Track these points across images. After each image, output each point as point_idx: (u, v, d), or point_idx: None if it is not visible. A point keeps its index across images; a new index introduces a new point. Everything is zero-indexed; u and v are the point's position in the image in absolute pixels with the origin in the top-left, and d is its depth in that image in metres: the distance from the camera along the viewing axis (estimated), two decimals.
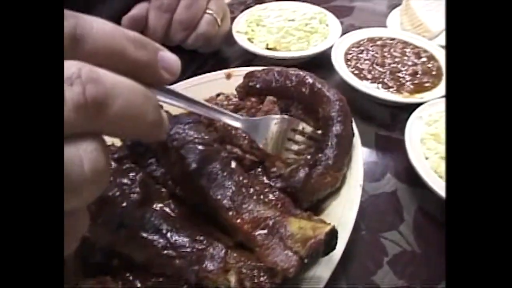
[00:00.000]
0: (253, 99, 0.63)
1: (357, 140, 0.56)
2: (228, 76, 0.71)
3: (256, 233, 0.42)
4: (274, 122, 0.49)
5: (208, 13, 0.76)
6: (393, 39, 0.84)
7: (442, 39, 0.86)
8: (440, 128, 0.59)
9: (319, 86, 0.57)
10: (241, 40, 0.84)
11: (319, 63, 0.82)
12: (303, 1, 0.98)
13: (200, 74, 0.72)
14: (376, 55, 0.79)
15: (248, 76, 0.64)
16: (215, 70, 0.73)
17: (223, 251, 0.42)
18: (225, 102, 0.63)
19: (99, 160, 0.25)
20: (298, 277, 0.41)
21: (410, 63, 0.77)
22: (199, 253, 0.42)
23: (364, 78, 0.74)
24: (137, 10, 0.76)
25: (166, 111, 0.55)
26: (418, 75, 0.74)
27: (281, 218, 0.43)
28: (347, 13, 1.05)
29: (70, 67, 0.24)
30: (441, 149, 0.56)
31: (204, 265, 0.41)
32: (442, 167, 0.54)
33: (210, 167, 0.47)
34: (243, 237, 0.44)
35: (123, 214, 0.44)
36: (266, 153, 0.54)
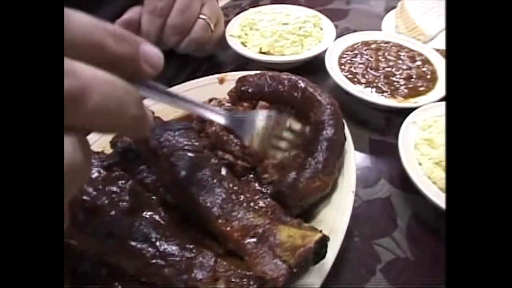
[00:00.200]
0: (245, 104, 0.62)
1: (349, 144, 0.55)
2: (221, 81, 0.71)
3: (246, 241, 0.42)
4: (260, 118, 0.48)
5: (202, 18, 0.75)
6: (387, 42, 0.84)
7: (437, 43, 0.86)
8: (434, 133, 0.59)
9: (311, 90, 0.57)
10: (235, 44, 0.84)
11: (313, 67, 0.82)
12: (298, 4, 0.98)
13: (193, 78, 0.72)
14: (370, 59, 0.79)
15: (240, 80, 0.64)
16: (209, 75, 0.72)
17: (213, 259, 0.41)
18: (218, 107, 0.63)
19: (73, 156, 0.25)
20: (288, 286, 0.40)
21: (404, 67, 0.77)
22: (189, 261, 0.41)
23: (358, 82, 0.73)
24: (130, 13, 0.75)
25: (154, 113, 0.56)
26: (413, 79, 0.73)
27: (271, 226, 0.42)
28: (342, 16, 1.05)
29: None
30: (435, 154, 0.56)
31: (193, 274, 0.40)
32: (435, 173, 0.54)
33: (199, 174, 0.47)
34: (233, 245, 0.43)
35: (111, 223, 0.43)
36: (258, 159, 0.54)
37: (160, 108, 0.60)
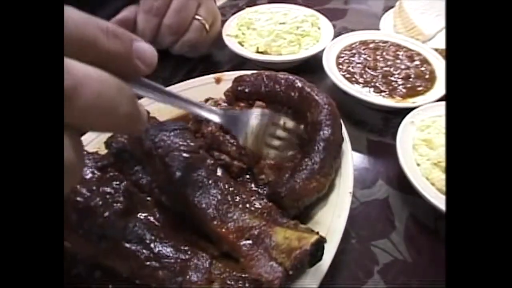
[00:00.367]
0: (242, 104, 0.62)
1: (347, 145, 0.55)
2: (218, 81, 0.70)
3: (241, 243, 0.41)
4: (254, 116, 0.47)
5: (197, 19, 0.75)
6: (385, 42, 0.83)
7: (435, 42, 0.85)
8: (433, 133, 0.58)
9: (308, 90, 0.56)
10: (232, 43, 0.83)
11: (311, 67, 0.82)
12: (296, 4, 0.98)
13: (190, 78, 0.71)
14: (369, 58, 0.78)
15: (236, 80, 0.63)
16: (205, 74, 0.72)
17: (208, 261, 0.41)
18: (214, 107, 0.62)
19: (66, 154, 0.24)
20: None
21: (402, 66, 0.76)
22: (183, 263, 0.41)
23: (356, 82, 0.73)
24: (126, 12, 0.74)
25: (149, 113, 0.55)
26: (411, 79, 0.73)
27: (267, 228, 0.42)
28: (340, 16, 1.04)
29: None
30: (433, 155, 0.55)
31: (188, 276, 0.40)
32: (433, 174, 0.53)
33: (195, 175, 0.46)
34: (228, 247, 0.42)
35: (105, 225, 0.42)
36: (254, 159, 0.53)
37: (155, 108, 0.59)
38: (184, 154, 0.48)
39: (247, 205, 0.44)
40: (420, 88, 0.71)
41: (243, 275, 0.39)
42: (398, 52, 0.80)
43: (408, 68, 0.76)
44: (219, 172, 0.48)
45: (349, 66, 0.76)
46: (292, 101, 0.58)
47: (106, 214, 0.43)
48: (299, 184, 0.47)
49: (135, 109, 0.29)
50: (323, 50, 0.79)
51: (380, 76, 0.74)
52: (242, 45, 0.84)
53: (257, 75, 0.62)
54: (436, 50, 0.79)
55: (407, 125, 0.61)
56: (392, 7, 0.99)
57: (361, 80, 0.73)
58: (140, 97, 0.32)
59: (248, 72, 0.64)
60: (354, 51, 0.81)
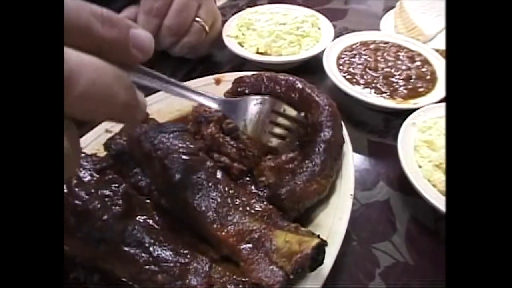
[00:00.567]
0: None
1: (348, 146, 0.54)
2: (218, 82, 0.70)
3: (241, 246, 0.41)
4: (254, 103, 0.47)
5: (197, 21, 0.75)
6: (386, 42, 0.83)
7: (436, 43, 0.85)
8: (434, 135, 0.58)
9: (309, 91, 0.56)
10: (231, 44, 0.83)
11: (311, 67, 0.81)
12: (296, 4, 0.97)
13: (190, 79, 0.71)
14: (369, 59, 0.78)
15: (237, 81, 0.63)
16: (205, 75, 0.71)
17: (208, 265, 0.41)
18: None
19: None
20: None
21: (404, 67, 0.76)
22: (183, 267, 0.40)
23: (357, 83, 0.72)
24: (126, 13, 0.74)
25: (148, 115, 0.55)
26: (412, 80, 0.72)
27: (267, 231, 0.41)
28: (340, 16, 1.04)
29: None
30: (435, 157, 0.55)
31: (187, 280, 0.40)
32: (435, 175, 0.53)
33: (194, 177, 0.46)
34: (228, 251, 0.42)
35: (104, 228, 0.42)
36: (254, 161, 0.53)
37: (154, 110, 0.59)
38: (184, 156, 0.47)
39: (247, 208, 0.44)
40: (421, 89, 0.70)
41: (243, 279, 0.39)
42: (399, 53, 0.79)
43: (409, 69, 0.75)
44: (219, 174, 0.47)
45: (349, 67, 0.76)
46: (292, 102, 0.57)
47: (105, 217, 0.43)
48: (300, 186, 0.47)
49: (133, 98, 0.29)
50: (323, 51, 0.78)
51: (381, 77, 0.73)
52: (242, 46, 0.83)
53: (257, 76, 0.61)
54: (437, 50, 0.79)
55: (408, 126, 0.60)
56: (392, 7, 0.98)
57: (362, 81, 0.73)
58: (139, 86, 0.31)
59: (248, 73, 0.64)
60: (354, 51, 0.80)
